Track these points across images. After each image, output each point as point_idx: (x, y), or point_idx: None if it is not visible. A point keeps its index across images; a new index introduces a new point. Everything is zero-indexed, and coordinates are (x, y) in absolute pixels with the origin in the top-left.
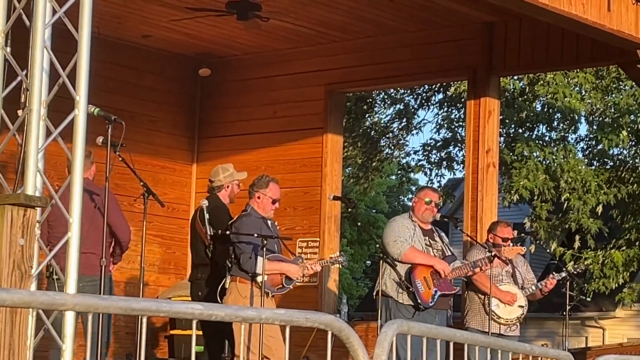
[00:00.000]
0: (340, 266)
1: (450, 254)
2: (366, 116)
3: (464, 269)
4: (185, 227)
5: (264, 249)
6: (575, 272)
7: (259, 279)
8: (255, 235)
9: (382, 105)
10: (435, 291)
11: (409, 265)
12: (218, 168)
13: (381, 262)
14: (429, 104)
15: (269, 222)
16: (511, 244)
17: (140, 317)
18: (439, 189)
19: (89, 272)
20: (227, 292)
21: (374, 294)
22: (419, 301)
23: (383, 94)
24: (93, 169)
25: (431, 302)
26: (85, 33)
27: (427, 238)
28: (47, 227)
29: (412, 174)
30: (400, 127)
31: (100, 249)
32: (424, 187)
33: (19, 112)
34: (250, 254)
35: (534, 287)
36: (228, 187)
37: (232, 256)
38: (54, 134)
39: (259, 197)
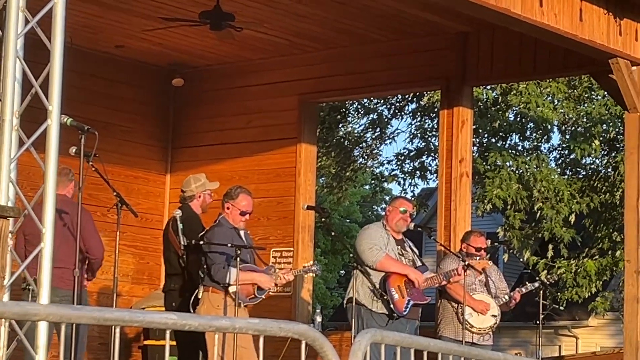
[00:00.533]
0: (314, 275)
1: (421, 264)
2: (340, 126)
3: (436, 279)
4: (159, 237)
5: (237, 259)
6: (548, 282)
7: (232, 289)
8: (229, 245)
9: (355, 115)
10: (409, 300)
11: (383, 273)
12: (190, 178)
13: (354, 270)
14: (403, 113)
15: (242, 232)
16: (485, 254)
17: (113, 327)
18: (413, 199)
19: (64, 286)
20: (200, 302)
21: (345, 301)
22: (393, 309)
23: (356, 103)
24: (71, 186)
25: (404, 311)
26: (58, 43)
27: (399, 247)
28: (23, 241)
29: (385, 184)
30: (373, 136)
31: (76, 264)
32: (398, 196)
33: None
34: (223, 264)
35: (506, 297)
36: (200, 197)
37: (205, 266)
38: (26, 144)
39: (228, 208)
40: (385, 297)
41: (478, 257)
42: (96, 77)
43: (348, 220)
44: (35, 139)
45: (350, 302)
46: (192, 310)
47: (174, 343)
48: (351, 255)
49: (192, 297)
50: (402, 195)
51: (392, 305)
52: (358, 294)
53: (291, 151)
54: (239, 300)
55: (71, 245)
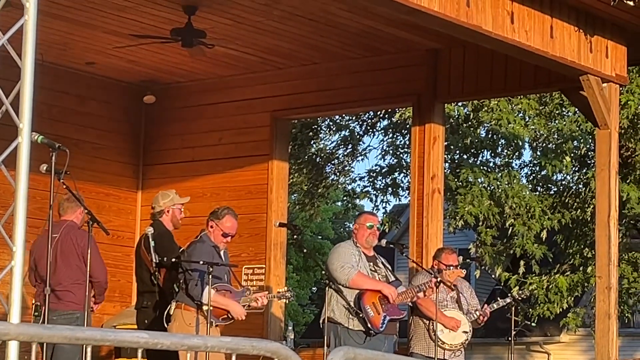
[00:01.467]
0: (287, 301)
1: (394, 279)
2: (312, 143)
3: (410, 293)
4: (131, 254)
5: (210, 276)
6: (520, 298)
7: (205, 307)
8: (201, 262)
9: (327, 131)
10: (385, 316)
11: (357, 291)
12: (158, 194)
13: (327, 288)
14: (374, 130)
15: (222, 251)
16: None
17: (84, 346)
18: (384, 215)
19: (65, 308)
20: (172, 318)
21: (321, 321)
22: (370, 326)
23: (328, 120)
24: (79, 211)
25: (381, 327)
26: (29, 60)
27: (371, 264)
28: (34, 264)
29: (357, 200)
30: (345, 153)
31: (76, 289)
32: (362, 212)
33: None
34: (197, 281)
35: (478, 313)
36: (169, 211)
37: (181, 281)
38: None
39: (212, 227)
40: (360, 315)
41: (451, 267)
42: (67, 94)
43: (320, 237)
44: (6, 157)
45: (325, 321)
46: (165, 326)
47: None
48: (323, 272)
49: (165, 313)
50: (366, 211)
51: (368, 322)
52: (333, 312)
53: (263, 168)
54: (210, 320)
55: (73, 268)
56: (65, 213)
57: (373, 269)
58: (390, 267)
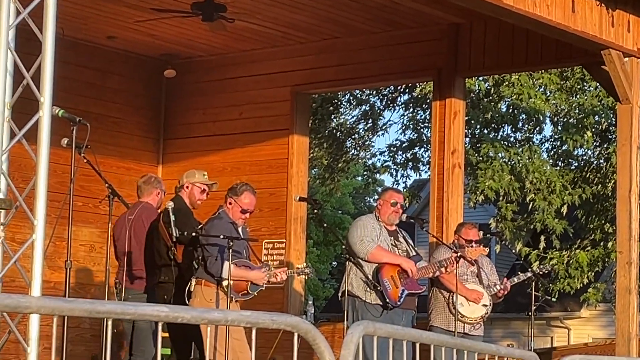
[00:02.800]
0: (307, 277)
1: (415, 254)
2: (332, 117)
3: (431, 269)
4: None
5: (231, 250)
6: (540, 273)
7: (225, 282)
8: (222, 236)
9: (347, 106)
10: (403, 290)
11: (376, 264)
12: (190, 171)
13: (347, 262)
14: (395, 105)
15: (240, 228)
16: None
17: (105, 319)
18: (405, 190)
19: (137, 287)
20: (193, 295)
21: (340, 294)
22: (387, 300)
23: (349, 95)
24: (156, 193)
25: (399, 301)
26: (49, 34)
27: (392, 238)
28: (114, 243)
29: (377, 175)
30: (366, 128)
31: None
32: (388, 188)
33: None
34: (217, 256)
35: (498, 287)
36: (188, 187)
37: (200, 258)
38: (18, 136)
39: (230, 203)
40: (378, 288)
41: (474, 245)
42: (88, 69)
43: (340, 212)
44: (27, 131)
45: (344, 294)
46: (187, 303)
47: (167, 335)
48: (343, 247)
49: (186, 290)
50: (392, 187)
51: (385, 296)
52: (352, 285)
53: (283, 142)
54: (230, 295)
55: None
56: (142, 195)
57: (393, 244)
58: (412, 242)
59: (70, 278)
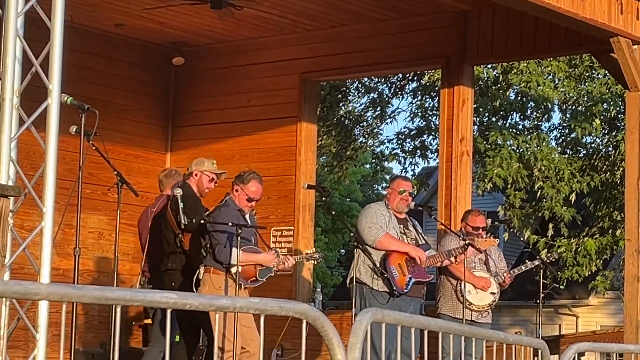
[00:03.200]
0: (316, 262)
1: (424, 242)
2: (340, 105)
3: (439, 258)
4: None
5: (239, 237)
6: (548, 261)
7: (233, 270)
8: (230, 224)
9: (356, 94)
10: (410, 278)
11: (384, 252)
12: (199, 159)
13: (355, 249)
14: (403, 92)
15: (248, 214)
16: (484, 233)
17: (114, 306)
18: (413, 178)
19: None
20: (201, 283)
21: (348, 281)
22: (394, 287)
23: (357, 82)
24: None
25: (406, 289)
26: (58, 22)
27: (401, 226)
28: (139, 236)
29: (386, 163)
30: (374, 115)
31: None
32: (396, 177)
33: None
34: (225, 244)
35: (505, 275)
36: (196, 175)
37: (208, 246)
38: (27, 123)
39: (237, 191)
40: (385, 275)
41: (485, 236)
42: (96, 56)
43: (348, 199)
44: (36, 118)
45: (352, 281)
46: (195, 291)
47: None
48: (352, 234)
49: (195, 278)
50: (401, 175)
51: (392, 283)
52: (360, 272)
53: (292, 130)
54: (239, 282)
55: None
56: (164, 188)
57: (402, 232)
58: (421, 231)
59: (79, 265)
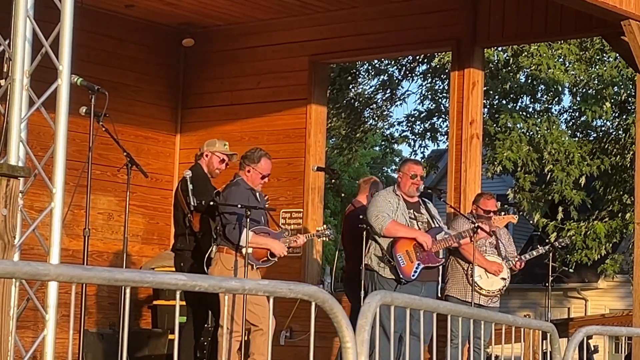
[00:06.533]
0: (327, 239)
1: (437, 225)
2: (350, 87)
3: (450, 241)
4: (169, 197)
5: (249, 219)
6: (559, 246)
7: (244, 250)
8: (239, 206)
9: (366, 76)
10: (418, 264)
11: (391, 239)
12: (211, 140)
13: (364, 236)
14: (413, 75)
15: (258, 193)
16: (495, 216)
17: (123, 287)
18: (423, 160)
19: None
20: (213, 262)
21: (361, 267)
22: (400, 275)
23: (367, 64)
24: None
25: (413, 276)
26: (68, 2)
27: (411, 211)
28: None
29: (395, 145)
30: (384, 98)
31: None
32: (407, 160)
33: (2, 82)
34: (235, 224)
35: (515, 260)
36: (207, 156)
37: (218, 227)
38: (37, 104)
39: (248, 171)
40: (392, 263)
41: (503, 213)
42: (106, 37)
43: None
44: (46, 99)
45: (362, 267)
46: (205, 270)
47: (184, 303)
48: (362, 223)
49: (206, 257)
50: (411, 158)
51: (398, 271)
52: (370, 260)
53: (301, 112)
54: (250, 262)
55: None
56: (359, 193)
57: (413, 217)
58: (435, 212)
59: (88, 246)
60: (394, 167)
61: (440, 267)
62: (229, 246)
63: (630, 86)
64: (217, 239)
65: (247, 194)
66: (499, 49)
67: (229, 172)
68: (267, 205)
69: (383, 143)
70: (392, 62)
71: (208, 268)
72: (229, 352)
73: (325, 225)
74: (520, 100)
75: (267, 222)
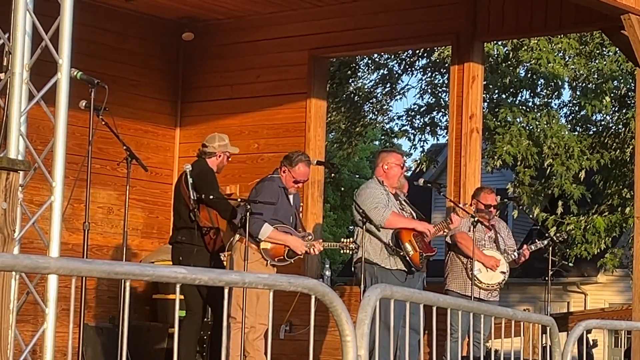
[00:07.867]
0: (350, 252)
1: (421, 215)
2: (350, 81)
3: (440, 227)
4: (168, 191)
5: (247, 214)
6: (558, 240)
7: (262, 245)
8: (239, 200)
9: (365, 70)
10: (421, 253)
11: (390, 230)
12: (215, 135)
13: (358, 229)
14: (413, 69)
15: (292, 195)
16: (495, 211)
17: (123, 281)
18: (422, 155)
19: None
20: (234, 249)
21: (354, 261)
22: (412, 264)
23: (367, 59)
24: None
25: (421, 265)
26: None
27: (398, 202)
28: None
29: (395, 140)
30: (383, 92)
31: None
32: (390, 151)
33: (1, 75)
34: (255, 218)
35: (516, 254)
36: (220, 156)
37: (241, 219)
38: (36, 98)
39: (284, 171)
40: (401, 253)
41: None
42: (106, 31)
43: (357, 176)
44: (45, 93)
45: (359, 262)
46: (219, 255)
47: (183, 297)
48: (357, 216)
49: (227, 245)
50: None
51: (409, 260)
52: (368, 253)
53: (301, 106)
54: (265, 258)
55: None
56: None
57: (401, 207)
58: (412, 205)
59: (88, 240)
60: None
61: (430, 259)
62: (249, 239)
63: (630, 80)
64: (240, 229)
65: (279, 191)
66: (499, 43)
67: (231, 167)
68: (299, 209)
69: (383, 137)
70: (392, 56)
71: (226, 253)
72: (242, 343)
73: (350, 239)
74: (520, 95)
75: (295, 224)
